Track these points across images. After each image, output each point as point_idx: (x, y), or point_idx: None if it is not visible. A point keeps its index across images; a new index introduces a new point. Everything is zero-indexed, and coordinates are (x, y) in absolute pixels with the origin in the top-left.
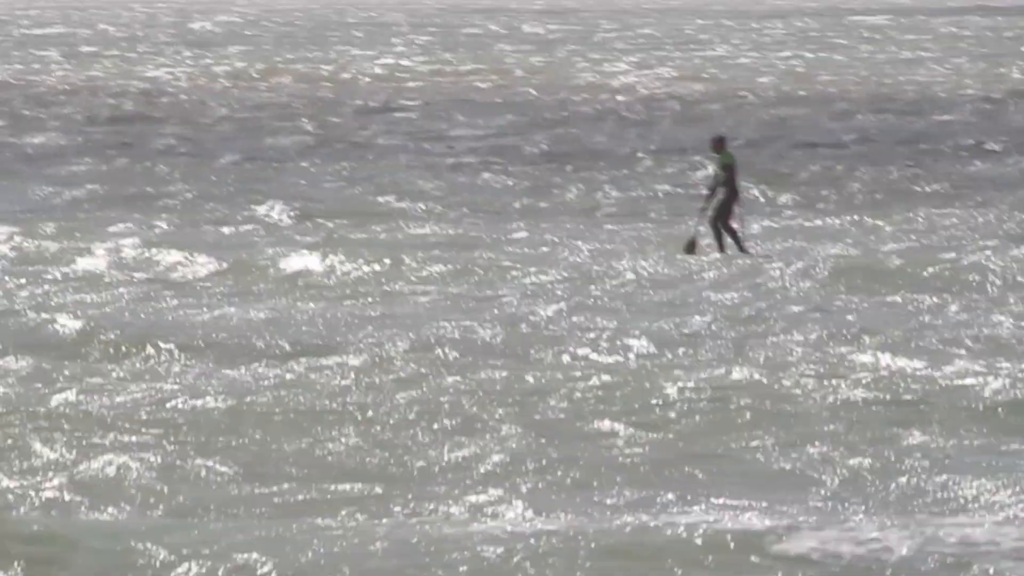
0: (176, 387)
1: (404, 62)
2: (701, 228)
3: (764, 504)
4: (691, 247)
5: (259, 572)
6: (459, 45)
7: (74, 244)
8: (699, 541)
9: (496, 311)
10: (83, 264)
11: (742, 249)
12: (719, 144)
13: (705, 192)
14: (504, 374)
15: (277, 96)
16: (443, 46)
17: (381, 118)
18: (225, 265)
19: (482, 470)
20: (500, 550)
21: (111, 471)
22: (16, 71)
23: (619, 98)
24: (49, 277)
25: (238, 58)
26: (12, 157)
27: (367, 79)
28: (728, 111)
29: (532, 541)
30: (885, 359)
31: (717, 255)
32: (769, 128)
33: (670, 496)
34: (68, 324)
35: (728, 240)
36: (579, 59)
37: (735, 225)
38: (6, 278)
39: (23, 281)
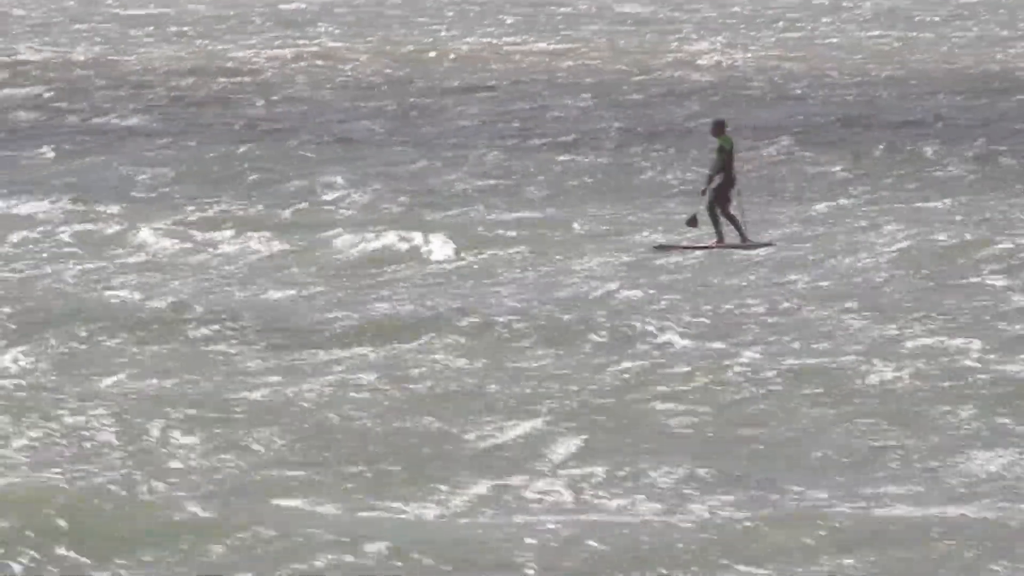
0: (251, 367)
1: (492, 41)
2: (701, 207)
3: (833, 483)
4: (692, 221)
5: (339, 550)
6: (549, 25)
7: (151, 224)
8: (776, 519)
9: (573, 291)
10: (160, 244)
11: (743, 237)
12: (719, 128)
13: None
14: (581, 356)
15: (362, 76)
16: (532, 26)
17: (465, 98)
18: (303, 245)
19: (559, 451)
20: (583, 535)
21: (182, 452)
22: (103, 51)
23: (705, 77)
24: (129, 257)
25: (330, 38)
26: (94, 137)
27: (452, 58)
28: (815, 89)
29: (611, 524)
30: (949, 341)
31: (715, 245)
32: (855, 107)
33: (738, 474)
34: (145, 304)
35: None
36: (671, 37)
37: (735, 212)
38: (84, 257)
39: (100, 261)
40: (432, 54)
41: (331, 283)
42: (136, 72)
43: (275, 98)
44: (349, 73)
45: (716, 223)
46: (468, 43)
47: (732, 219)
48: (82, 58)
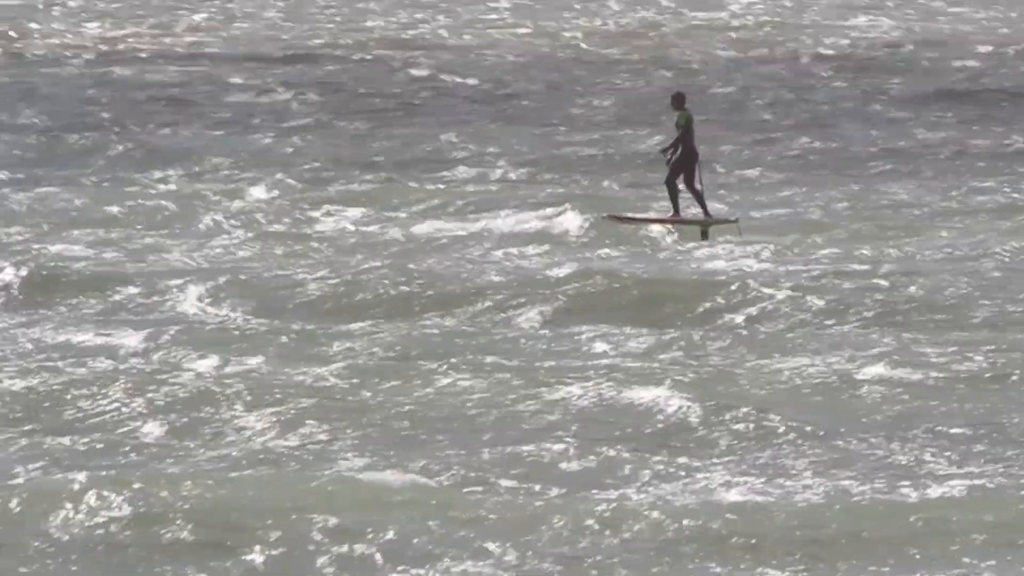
0: (376, 339)
1: (657, 17)
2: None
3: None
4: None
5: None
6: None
7: (293, 199)
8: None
9: (704, 265)
10: (300, 219)
11: (706, 213)
12: (678, 101)
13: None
14: (704, 330)
15: (524, 52)
16: (703, 4)
17: (613, 76)
18: (453, 223)
19: (671, 423)
20: (692, 508)
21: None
22: (269, 26)
23: (858, 51)
24: (267, 232)
25: (499, 13)
26: (248, 115)
27: (614, 35)
28: (986, 61)
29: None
30: None
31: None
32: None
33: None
34: (301, 285)
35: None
36: (841, 11)
37: (699, 187)
38: (224, 232)
39: (245, 237)
40: (598, 27)
41: (486, 258)
42: (304, 47)
43: (432, 74)
44: (513, 48)
45: (674, 198)
46: (629, 19)
47: (696, 194)
48: (248, 32)
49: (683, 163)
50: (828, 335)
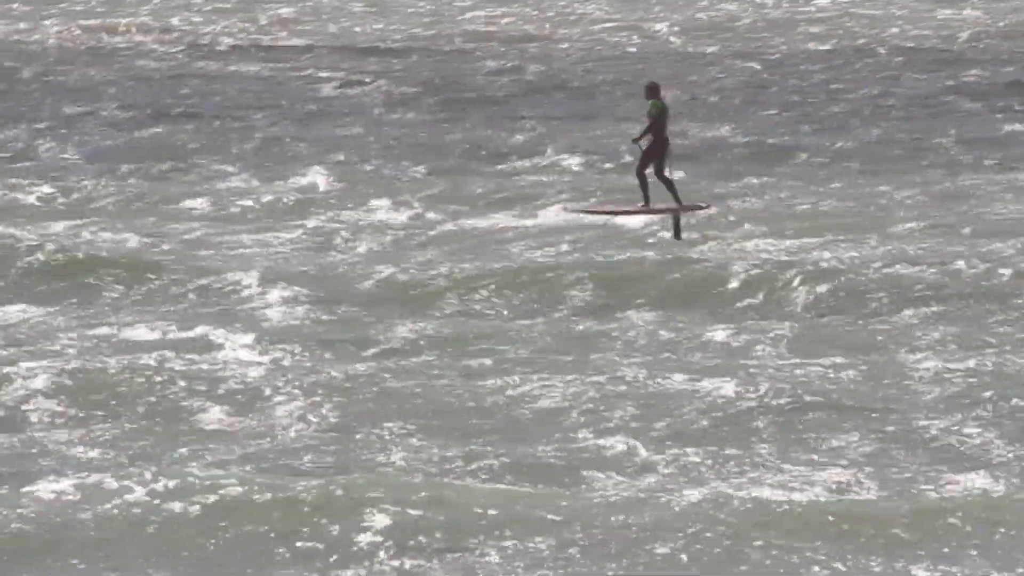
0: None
1: (744, 10)
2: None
3: None
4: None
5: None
6: None
7: (367, 194)
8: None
9: (771, 256)
10: (377, 216)
11: (678, 201)
12: (651, 91)
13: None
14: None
15: (610, 46)
16: None
17: (696, 69)
18: (518, 213)
19: (743, 421)
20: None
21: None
22: (371, 23)
23: (941, 43)
24: (334, 229)
25: (597, 7)
26: (327, 106)
27: (691, 29)
28: None
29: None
30: None
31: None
32: None
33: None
34: (362, 275)
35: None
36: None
37: (669, 176)
38: (296, 223)
39: (313, 231)
40: (686, 19)
41: (525, 245)
42: (389, 40)
43: (516, 66)
44: (599, 42)
45: (644, 186)
46: (723, 11)
47: (667, 182)
48: (333, 26)
49: (653, 152)
50: (892, 323)
